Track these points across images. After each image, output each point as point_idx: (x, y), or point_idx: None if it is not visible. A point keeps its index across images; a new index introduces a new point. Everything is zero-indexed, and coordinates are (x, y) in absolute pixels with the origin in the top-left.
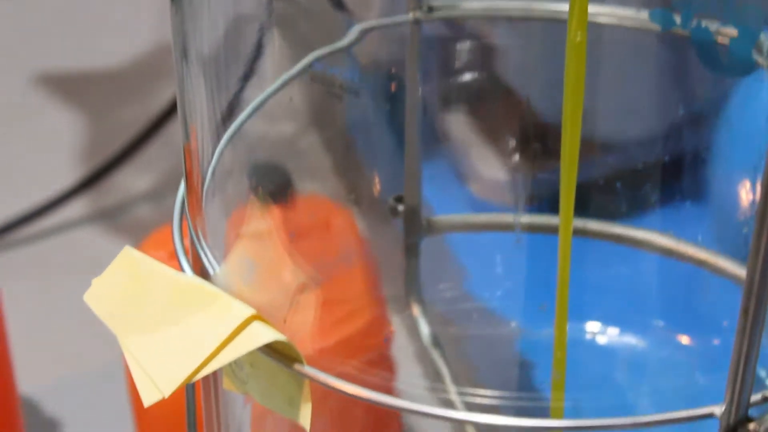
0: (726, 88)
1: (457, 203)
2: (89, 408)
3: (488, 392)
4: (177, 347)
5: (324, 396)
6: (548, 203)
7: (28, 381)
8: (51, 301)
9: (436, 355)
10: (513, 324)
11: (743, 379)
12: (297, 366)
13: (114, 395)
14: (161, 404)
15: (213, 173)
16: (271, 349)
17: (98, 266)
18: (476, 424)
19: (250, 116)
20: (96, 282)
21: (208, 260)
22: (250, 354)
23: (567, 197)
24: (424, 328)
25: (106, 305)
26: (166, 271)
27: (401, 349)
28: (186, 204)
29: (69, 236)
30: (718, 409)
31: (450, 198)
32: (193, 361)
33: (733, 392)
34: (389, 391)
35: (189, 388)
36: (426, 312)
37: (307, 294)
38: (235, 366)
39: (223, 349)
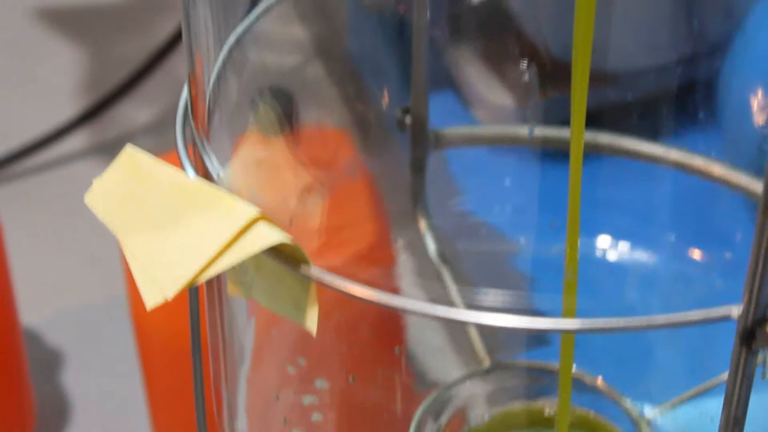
0: (742, 3)
1: None
2: (91, 340)
3: (497, 293)
4: (180, 248)
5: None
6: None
7: (29, 314)
8: (52, 234)
9: (443, 270)
10: (522, 240)
11: (762, 278)
12: (303, 268)
13: (116, 327)
14: (164, 333)
15: (218, 78)
16: (277, 252)
17: None
18: (484, 327)
19: (258, 18)
20: (97, 182)
21: (212, 164)
22: (256, 257)
23: (578, 109)
24: (431, 244)
25: (106, 205)
26: (170, 171)
27: (407, 265)
28: (189, 108)
29: (70, 169)
30: (735, 310)
31: (456, 124)
32: (196, 263)
33: (751, 292)
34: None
35: (192, 294)
36: (433, 228)
37: (313, 195)
38: (239, 270)
39: (227, 251)
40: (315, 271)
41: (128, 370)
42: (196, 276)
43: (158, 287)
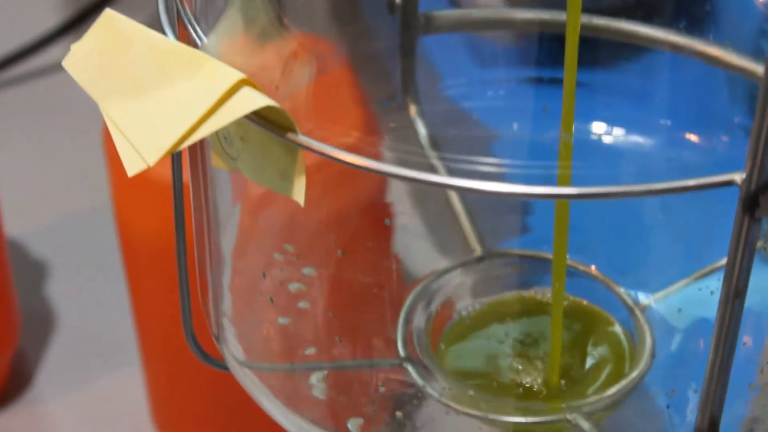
0: None
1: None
2: (76, 251)
3: (491, 160)
4: (162, 114)
5: (318, 193)
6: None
7: (14, 225)
8: (36, 145)
9: (433, 156)
10: (515, 126)
11: (766, 143)
12: (290, 135)
13: (101, 237)
14: (149, 239)
15: None
16: (263, 119)
17: (84, 108)
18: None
19: None
20: (75, 47)
21: (195, 32)
22: (241, 125)
23: None
24: (422, 130)
25: (86, 71)
26: (151, 35)
27: (397, 148)
28: None
29: (53, 79)
30: (738, 176)
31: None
32: (179, 128)
33: (754, 157)
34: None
35: (175, 164)
36: (423, 113)
37: (300, 62)
38: (224, 141)
39: (211, 116)
40: (302, 138)
41: (114, 281)
42: (179, 141)
43: (140, 154)
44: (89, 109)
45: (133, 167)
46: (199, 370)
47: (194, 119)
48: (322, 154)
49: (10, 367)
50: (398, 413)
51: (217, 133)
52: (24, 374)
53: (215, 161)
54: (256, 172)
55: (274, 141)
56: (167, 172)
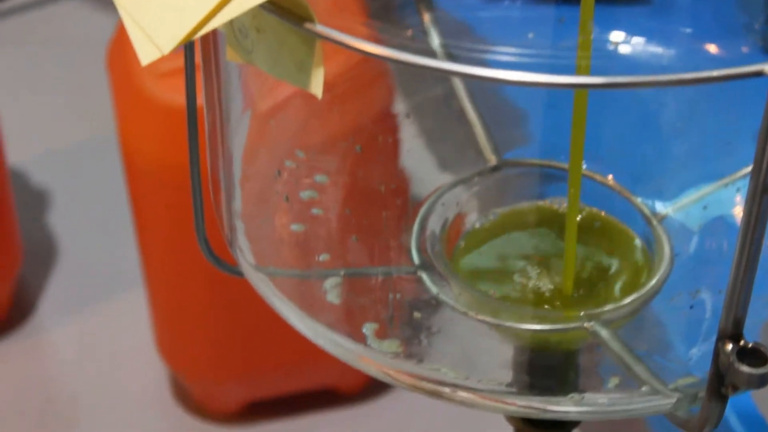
0: None
1: None
2: (78, 179)
3: (511, 50)
4: (176, 3)
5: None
6: None
7: (16, 154)
8: (38, 72)
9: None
10: (530, 35)
11: None
12: (308, 24)
13: (103, 165)
14: (153, 163)
15: None
16: (279, 8)
17: (85, 39)
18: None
19: None
20: None
21: None
22: (257, 17)
23: None
24: (435, 39)
25: None
26: None
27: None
28: None
29: (57, 7)
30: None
31: None
32: (194, 16)
33: None
34: None
35: (188, 60)
36: (437, 21)
37: None
38: (239, 34)
39: (227, 4)
40: (320, 27)
41: (116, 209)
42: (194, 30)
43: (154, 43)
44: (92, 38)
45: (147, 56)
46: (205, 294)
47: (210, 7)
48: (340, 43)
49: (13, 296)
50: (416, 313)
51: (232, 25)
52: (26, 303)
53: (230, 55)
54: (271, 64)
55: (291, 31)
56: (171, 96)
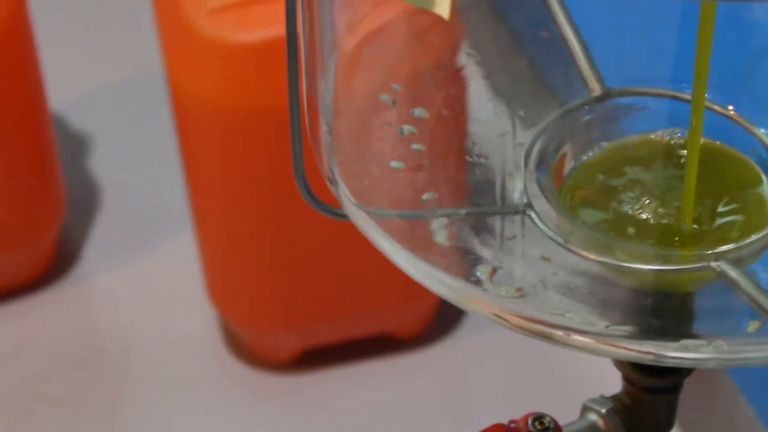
0: None
1: None
2: (122, 122)
3: None
4: None
5: None
6: None
7: (57, 97)
8: (79, 12)
9: None
10: None
11: None
12: None
13: (148, 108)
14: (204, 104)
15: None
16: None
17: None
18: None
19: None
20: None
21: None
22: None
23: None
24: None
25: None
26: None
27: None
28: None
29: None
30: None
31: None
32: None
33: None
34: None
35: None
36: None
37: None
38: None
39: None
40: None
41: (160, 152)
42: None
43: None
44: None
45: None
46: (257, 238)
47: None
48: None
49: (57, 245)
50: (529, 255)
51: None
52: (71, 251)
53: None
54: None
55: None
56: (222, 33)
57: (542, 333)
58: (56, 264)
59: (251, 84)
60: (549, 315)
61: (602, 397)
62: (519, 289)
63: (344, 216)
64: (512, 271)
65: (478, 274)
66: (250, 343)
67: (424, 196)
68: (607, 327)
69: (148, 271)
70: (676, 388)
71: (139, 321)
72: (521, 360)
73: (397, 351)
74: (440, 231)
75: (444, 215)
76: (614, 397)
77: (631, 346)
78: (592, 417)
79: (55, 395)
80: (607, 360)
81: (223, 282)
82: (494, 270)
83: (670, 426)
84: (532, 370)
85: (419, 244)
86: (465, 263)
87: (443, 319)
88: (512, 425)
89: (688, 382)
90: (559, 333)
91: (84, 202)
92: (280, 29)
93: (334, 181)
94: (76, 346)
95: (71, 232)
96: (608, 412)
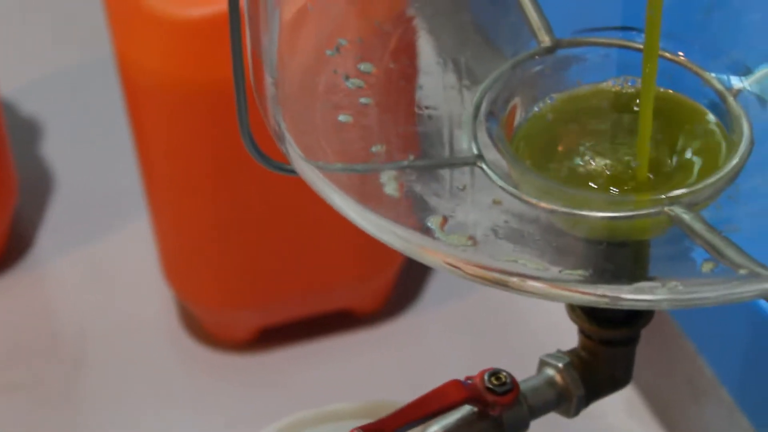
0: None
1: None
2: (73, 106)
3: None
4: None
5: None
6: None
7: (6, 83)
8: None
9: None
10: None
11: None
12: None
13: (97, 91)
14: (155, 79)
15: None
16: None
17: None
18: None
19: None
20: None
21: None
22: None
23: None
24: None
25: None
26: None
27: None
28: None
29: None
30: None
31: None
32: None
33: None
34: None
35: None
36: None
37: None
38: None
39: None
40: None
41: (113, 135)
42: None
43: None
44: None
45: None
46: (212, 217)
47: None
48: None
49: (10, 230)
50: (480, 204)
51: None
52: (25, 236)
53: None
54: None
55: None
56: (170, 8)
57: (497, 280)
58: (9, 250)
59: (200, 58)
60: (502, 262)
61: (559, 351)
62: (471, 238)
63: (293, 171)
64: (463, 221)
65: (429, 224)
66: (207, 323)
67: (373, 149)
68: (560, 272)
69: (103, 255)
70: (632, 341)
71: (95, 305)
72: (481, 332)
73: (357, 327)
74: (390, 183)
75: (394, 168)
76: (571, 352)
77: (585, 290)
78: (549, 372)
79: (10, 382)
80: (570, 330)
81: (178, 263)
82: (445, 219)
83: (627, 380)
84: (491, 341)
85: (369, 196)
86: (416, 214)
87: (402, 294)
88: (469, 381)
89: (648, 347)
90: (514, 279)
91: (37, 187)
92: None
93: (281, 136)
94: (31, 333)
95: (24, 218)
96: (565, 366)
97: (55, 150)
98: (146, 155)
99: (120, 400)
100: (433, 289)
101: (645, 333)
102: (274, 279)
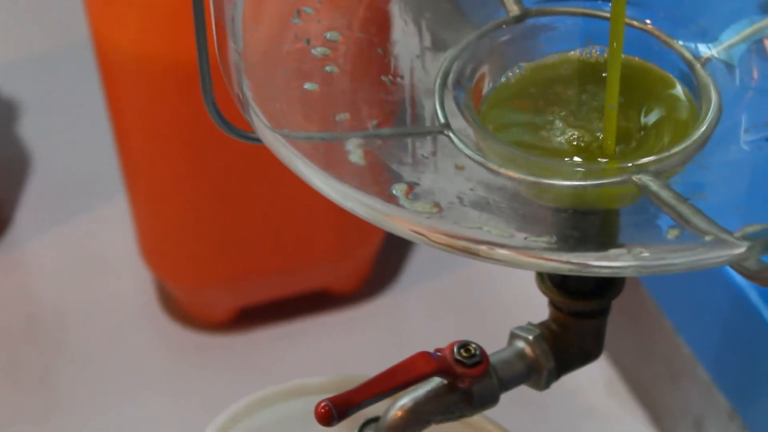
0: None
1: None
2: (48, 87)
3: None
4: None
5: None
6: None
7: None
8: None
9: None
10: None
11: None
12: None
13: (74, 71)
14: (127, 55)
15: None
16: None
17: None
18: None
19: None
20: None
21: None
22: None
23: None
24: None
25: None
26: None
27: None
28: None
29: None
30: None
31: None
32: None
33: None
34: None
35: None
36: None
37: None
38: None
39: None
40: None
41: (89, 116)
42: None
43: None
44: None
45: None
46: (189, 195)
47: None
48: None
49: None
50: (446, 172)
51: None
52: (1, 217)
53: None
54: None
55: None
56: None
57: (463, 248)
58: None
59: (175, 35)
60: (466, 229)
61: (529, 324)
62: (436, 205)
63: (257, 140)
64: (429, 189)
65: (395, 191)
66: (186, 303)
67: (339, 117)
68: (525, 239)
69: (80, 236)
70: (602, 313)
71: (73, 286)
72: (459, 311)
73: (335, 307)
74: (355, 151)
75: (359, 136)
76: (542, 324)
77: (551, 257)
78: (520, 344)
79: None
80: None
81: (156, 242)
82: (411, 187)
83: (598, 353)
84: (470, 320)
85: (334, 164)
86: (381, 182)
87: (380, 274)
88: (438, 354)
89: (627, 327)
90: (483, 247)
91: (13, 168)
92: None
93: (245, 104)
94: (9, 314)
95: (1, 199)
96: (535, 338)
97: (31, 131)
98: (122, 134)
99: (98, 380)
100: (411, 269)
101: (623, 313)
102: (251, 258)
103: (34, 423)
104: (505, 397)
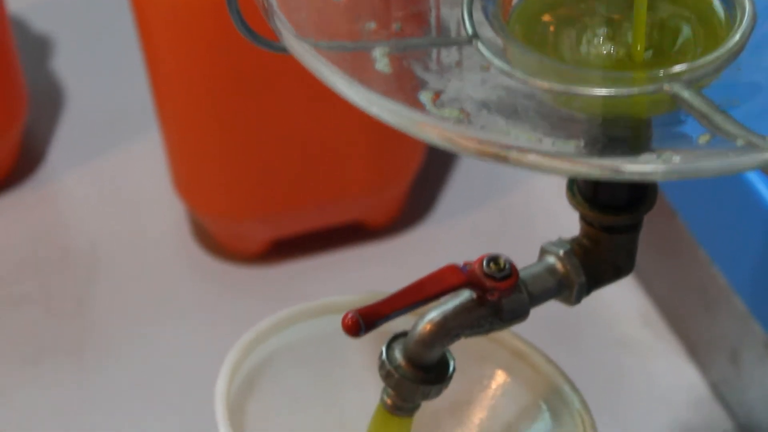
0: None
1: None
2: (82, 22)
3: None
4: None
5: None
6: None
7: (16, 1)
8: None
9: None
10: None
11: None
12: None
13: (107, 5)
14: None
15: None
16: None
17: None
18: None
19: None
20: None
21: None
22: None
23: None
24: None
25: None
26: None
27: None
28: None
29: None
30: None
31: None
32: None
33: None
34: None
35: None
36: None
37: None
38: None
39: None
40: None
41: (122, 51)
42: None
43: None
44: None
45: None
46: (222, 127)
47: None
48: None
49: (20, 145)
50: (473, 81)
51: None
52: (35, 151)
53: None
54: None
55: None
56: None
57: (494, 153)
58: (21, 165)
59: None
60: (495, 134)
61: (560, 239)
62: (463, 111)
63: (283, 49)
64: (456, 96)
65: (421, 98)
66: (218, 236)
67: (366, 27)
68: (553, 143)
69: (114, 170)
70: (634, 228)
71: (106, 219)
72: (494, 243)
73: (369, 240)
74: (381, 59)
75: (386, 45)
76: (572, 240)
77: (583, 161)
78: (550, 260)
79: (23, 295)
80: None
81: (189, 175)
82: (438, 94)
83: (630, 269)
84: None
85: (361, 72)
86: (407, 89)
87: (414, 206)
88: (467, 267)
89: (662, 256)
90: (513, 153)
91: (48, 103)
92: None
93: (271, 12)
94: (43, 247)
95: (35, 133)
96: (566, 253)
97: (65, 65)
98: (156, 68)
99: (131, 313)
100: (445, 202)
101: (658, 243)
102: (285, 190)
103: (68, 351)
104: (539, 328)
